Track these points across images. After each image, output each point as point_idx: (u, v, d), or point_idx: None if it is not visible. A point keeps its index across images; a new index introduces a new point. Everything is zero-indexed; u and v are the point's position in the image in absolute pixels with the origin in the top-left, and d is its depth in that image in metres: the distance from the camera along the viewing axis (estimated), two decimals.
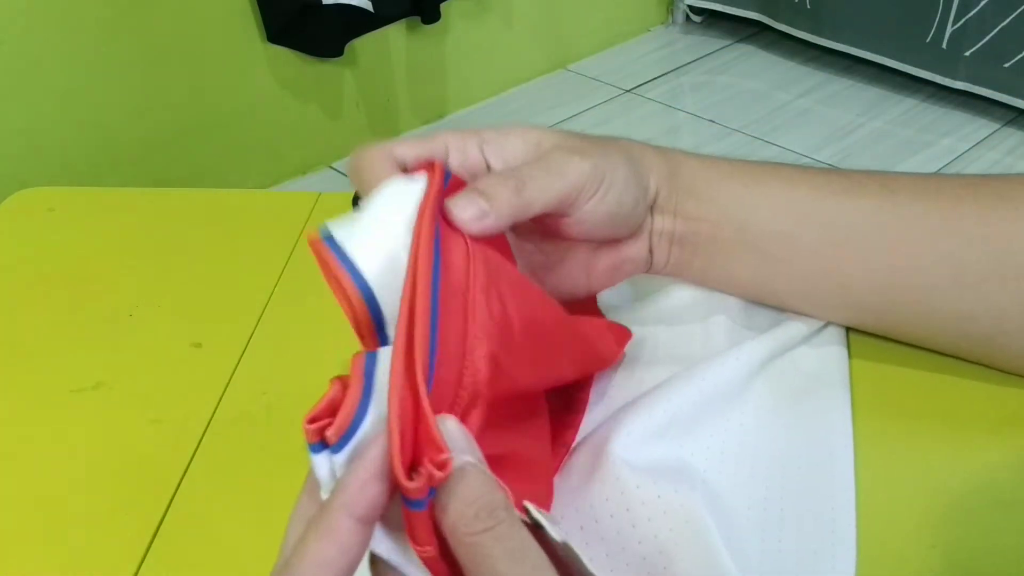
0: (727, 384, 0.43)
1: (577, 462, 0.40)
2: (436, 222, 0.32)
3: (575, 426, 0.43)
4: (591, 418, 0.43)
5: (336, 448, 0.26)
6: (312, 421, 0.27)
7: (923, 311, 0.43)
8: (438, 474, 0.25)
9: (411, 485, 0.25)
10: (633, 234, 0.44)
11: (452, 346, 0.30)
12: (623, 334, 0.45)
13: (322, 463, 0.27)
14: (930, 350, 0.46)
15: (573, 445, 0.42)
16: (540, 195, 0.37)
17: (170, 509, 0.43)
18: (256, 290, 0.56)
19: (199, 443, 0.46)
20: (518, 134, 0.40)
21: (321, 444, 0.27)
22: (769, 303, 0.47)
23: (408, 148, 0.38)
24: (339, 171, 1.81)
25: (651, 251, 0.45)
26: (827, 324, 0.48)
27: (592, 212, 0.40)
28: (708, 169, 0.44)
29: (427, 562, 0.26)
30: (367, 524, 0.26)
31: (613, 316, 0.50)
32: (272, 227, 0.62)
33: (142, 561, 0.41)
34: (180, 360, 0.52)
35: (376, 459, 0.26)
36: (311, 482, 0.28)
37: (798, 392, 0.45)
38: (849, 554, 0.37)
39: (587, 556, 0.37)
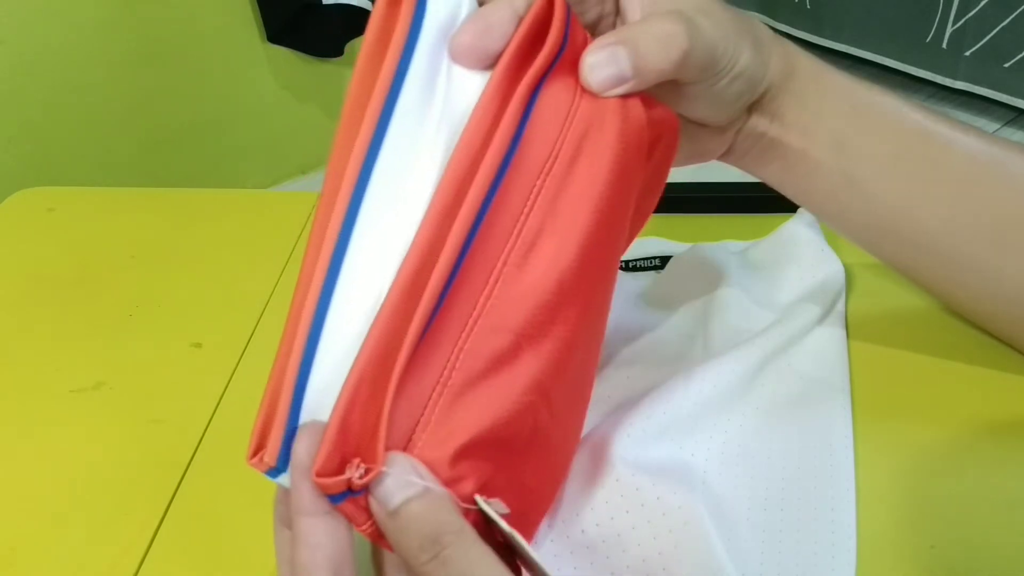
0: (727, 385, 0.43)
1: (577, 463, 0.40)
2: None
3: None
4: (591, 418, 0.43)
5: (275, 472, 0.27)
6: (252, 456, 0.27)
7: (990, 268, 0.42)
8: (358, 482, 0.26)
9: (327, 481, 0.26)
10: (719, 128, 0.40)
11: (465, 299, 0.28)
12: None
13: (282, 483, 0.28)
14: (956, 312, 0.47)
15: None
16: (692, 66, 0.33)
17: (170, 509, 0.43)
18: (256, 290, 0.56)
19: (199, 443, 0.46)
20: None
21: (273, 470, 0.27)
22: (828, 223, 0.45)
23: None
24: None
25: (733, 145, 0.42)
26: (826, 325, 0.48)
27: (703, 92, 0.36)
28: (822, 78, 0.40)
29: (370, 538, 0.27)
30: (320, 516, 0.27)
31: (614, 318, 0.50)
32: (272, 227, 0.62)
33: (142, 561, 0.41)
34: (180, 360, 0.52)
35: (301, 460, 0.26)
36: (276, 523, 0.29)
37: (798, 393, 0.45)
38: (849, 555, 0.37)
39: (588, 560, 0.37)
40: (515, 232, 0.29)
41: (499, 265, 0.29)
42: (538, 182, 0.29)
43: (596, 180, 0.30)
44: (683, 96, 0.37)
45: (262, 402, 0.28)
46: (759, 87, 0.39)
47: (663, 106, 0.34)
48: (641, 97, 0.32)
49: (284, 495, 0.28)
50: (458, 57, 0.29)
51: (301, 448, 0.26)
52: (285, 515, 0.29)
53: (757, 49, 0.37)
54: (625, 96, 0.31)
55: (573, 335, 0.30)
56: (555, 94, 0.30)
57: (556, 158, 0.30)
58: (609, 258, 0.34)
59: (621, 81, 0.31)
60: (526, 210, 0.29)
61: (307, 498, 0.26)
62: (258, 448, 0.27)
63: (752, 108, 0.40)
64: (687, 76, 0.35)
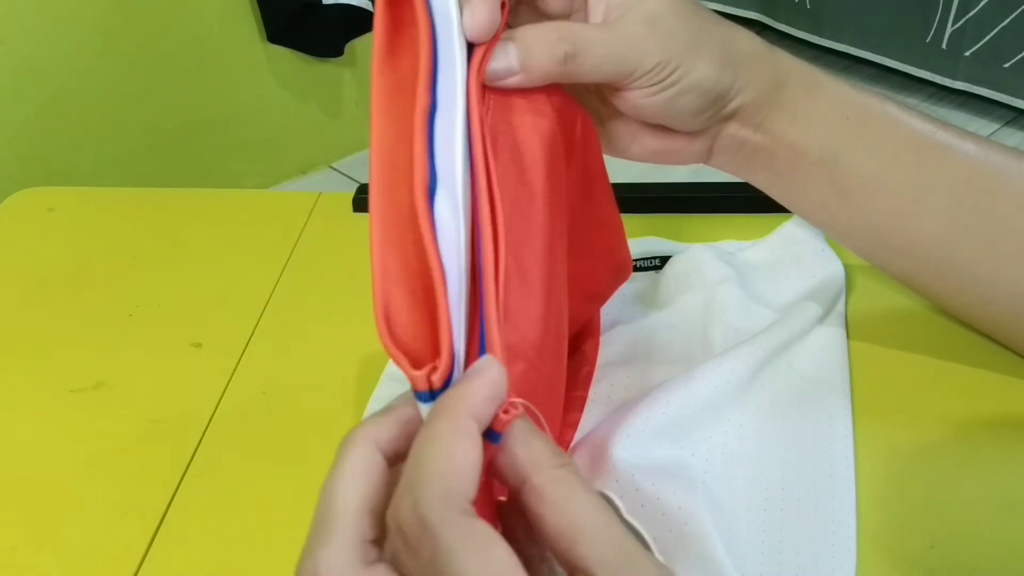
0: (727, 385, 0.43)
1: (576, 463, 0.40)
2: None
3: (574, 425, 0.43)
4: (590, 418, 0.43)
5: (440, 392, 0.26)
6: (416, 366, 0.26)
7: (985, 277, 0.42)
8: (504, 417, 0.26)
9: (506, 417, 0.26)
10: (691, 133, 0.41)
11: None
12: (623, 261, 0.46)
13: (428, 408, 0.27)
14: (962, 321, 0.46)
15: (572, 444, 0.42)
16: (586, 71, 0.35)
17: (170, 509, 0.43)
18: (256, 290, 0.56)
19: (199, 443, 0.46)
20: None
21: (428, 393, 0.26)
22: (819, 229, 0.45)
23: None
24: (339, 171, 1.81)
25: (712, 151, 0.42)
26: (826, 325, 0.48)
27: (642, 101, 0.37)
28: (815, 89, 0.41)
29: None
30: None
31: (613, 318, 0.50)
32: (272, 227, 0.62)
33: (142, 561, 0.41)
34: (180, 360, 0.52)
35: (497, 382, 0.26)
36: (366, 428, 0.27)
37: (798, 393, 0.45)
38: (849, 555, 0.37)
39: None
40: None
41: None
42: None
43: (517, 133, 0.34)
44: (626, 101, 0.38)
45: (396, 292, 0.28)
46: (725, 102, 0.39)
47: (565, 96, 0.37)
48: (546, 91, 0.35)
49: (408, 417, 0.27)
50: (480, 36, 0.32)
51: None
52: (388, 446, 0.27)
53: (727, 66, 0.38)
54: (523, 88, 0.35)
55: (547, 272, 0.34)
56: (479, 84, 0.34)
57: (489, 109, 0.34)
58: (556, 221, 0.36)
59: (510, 73, 0.34)
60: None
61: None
62: (419, 359, 0.26)
63: (730, 118, 0.40)
64: (592, 79, 0.36)
